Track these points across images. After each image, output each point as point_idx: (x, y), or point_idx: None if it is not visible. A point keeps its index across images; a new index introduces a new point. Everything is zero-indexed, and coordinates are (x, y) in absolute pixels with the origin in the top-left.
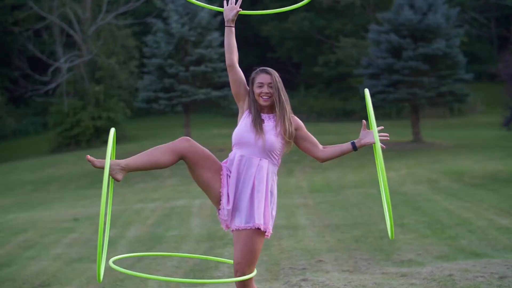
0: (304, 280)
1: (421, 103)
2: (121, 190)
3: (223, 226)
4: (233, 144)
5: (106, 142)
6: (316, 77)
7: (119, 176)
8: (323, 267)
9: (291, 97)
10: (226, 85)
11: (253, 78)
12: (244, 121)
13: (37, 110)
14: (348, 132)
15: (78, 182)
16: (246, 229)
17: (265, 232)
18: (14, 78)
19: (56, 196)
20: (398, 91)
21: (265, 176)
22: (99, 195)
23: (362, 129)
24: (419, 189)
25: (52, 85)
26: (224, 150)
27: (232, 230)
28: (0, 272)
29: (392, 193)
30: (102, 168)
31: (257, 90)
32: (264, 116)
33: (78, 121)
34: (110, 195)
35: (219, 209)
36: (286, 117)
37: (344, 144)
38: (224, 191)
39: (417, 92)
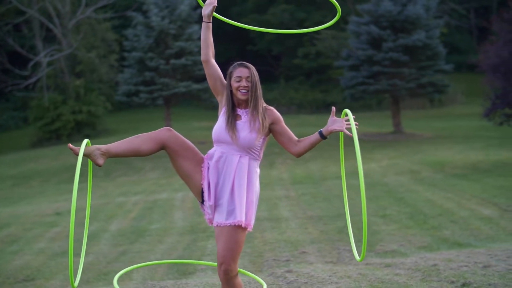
0: (288, 271)
1: (402, 94)
2: (103, 183)
3: (206, 221)
4: (213, 140)
5: (86, 136)
6: (296, 69)
7: (100, 161)
8: (307, 258)
9: (271, 89)
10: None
11: (231, 72)
12: (222, 118)
13: (17, 105)
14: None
15: (60, 176)
16: (227, 225)
17: (247, 227)
18: None
19: (38, 190)
20: (378, 82)
21: (246, 172)
22: (81, 189)
23: (330, 116)
24: (401, 180)
25: (32, 80)
26: (204, 143)
27: (215, 225)
28: None
29: (374, 184)
30: (84, 155)
31: (235, 84)
32: (241, 111)
33: (58, 115)
34: (89, 190)
35: (201, 202)
36: (260, 112)
37: (312, 135)
38: (204, 184)
39: (398, 83)
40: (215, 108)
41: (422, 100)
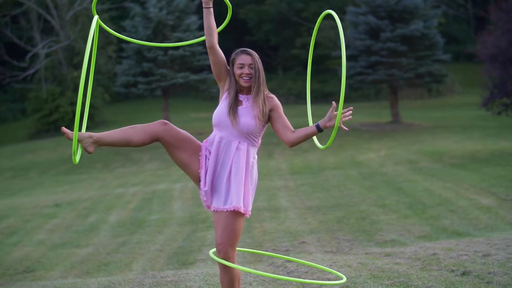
0: (288, 261)
1: (400, 84)
2: (101, 175)
3: (204, 206)
4: (213, 124)
5: (85, 127)
6: (294, 60)
7: (91, 148)
8: (306, 248)
9: (269, 79)
10: (205, 68)
11: (234, 59)
12: (223, 103)
13: (16, 97)
14: (323, 114)
15: (58, 168)
16: (224, 210)
17: (245, 213)
18: None
19: (36, 182)
20: (376, 72)
21: (244, 158)
22: (79, 181)
23: (330, 110)
24: (400, 169)
25: (30, 71)
26: (202, 133)
27: (212, 210)
28: None
29: (373, 174)
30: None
31: (237, 71)
32: (243, 97)
33: (57, 106)
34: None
35: (200, 189)
36: (261, 98)
37: (309, 127)
38: (202, 173)
39: (396, 73)
40: (213, 99)
41: (420, 90)
